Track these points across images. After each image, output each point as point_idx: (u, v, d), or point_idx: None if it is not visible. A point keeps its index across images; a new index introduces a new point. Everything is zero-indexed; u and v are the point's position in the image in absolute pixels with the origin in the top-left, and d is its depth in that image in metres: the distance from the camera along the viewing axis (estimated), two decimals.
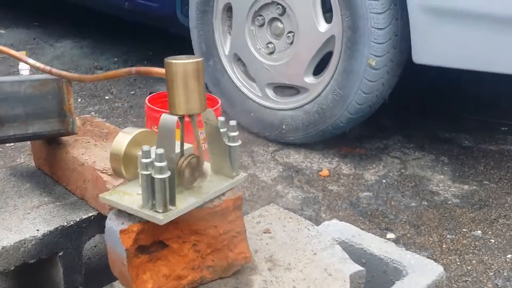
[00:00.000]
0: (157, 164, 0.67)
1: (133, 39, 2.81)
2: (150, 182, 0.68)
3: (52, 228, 0.97)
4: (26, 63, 0.87)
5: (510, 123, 2.09)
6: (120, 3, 2.15)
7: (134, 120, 1.98)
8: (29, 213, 1.00)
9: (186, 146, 0.75)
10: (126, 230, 0.72)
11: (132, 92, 2.25)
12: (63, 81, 1.03)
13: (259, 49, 1.85)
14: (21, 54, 0.85)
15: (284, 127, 1.81)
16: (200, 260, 0.78)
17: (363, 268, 0.87)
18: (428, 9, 1.54)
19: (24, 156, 1.68)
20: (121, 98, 2.18)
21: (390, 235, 1.44)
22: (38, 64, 0.84)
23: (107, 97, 2.18)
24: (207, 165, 0.79)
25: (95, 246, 1.29)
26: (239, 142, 0.77)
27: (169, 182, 0.68)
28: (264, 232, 0.89)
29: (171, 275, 0.76)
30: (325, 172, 1.72)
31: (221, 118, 0.75)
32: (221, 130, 0.77)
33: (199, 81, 0.68)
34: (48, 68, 0.82)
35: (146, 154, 0.68)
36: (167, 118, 0.69)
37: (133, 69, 0.71)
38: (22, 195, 1.06)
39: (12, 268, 0.93)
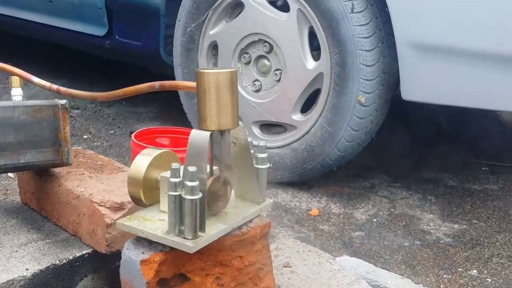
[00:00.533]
0: (188, 183, 0.60)
1: (112, 78, 2.75)
2: (178, 204, 0.62)
3: (43, 267, 0.88)
4: (31, 81, 0.80)
5: (490, 163, 2.12)
6: (101, 42, 2.10)
7: (115, 159, 1.90)
8: (16, 251, 0.92)
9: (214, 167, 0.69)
10: (147, 261, 0.64)
11: (111, 132, 2.16)
12: (59, 108, 0.96)
13: (246, 86, 1.82)
14: (25, 72, 0.78)
15: (271, 165, 1.76)
16: None
17: None
18: (416, 47, 1.56)
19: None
20: (100, 137, 2.09)
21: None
22: (43, 82, 0.77)
23: (85, 137, 2.09)
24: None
25: None
26: (268, 165, 0.71)
27: (200, 204, 0.62)
28: (284, 266, 0.83)
29: None
30: (314, 212, 1.67)
31: (249, 138, 0.70)
32: None
33: (232, 94, 0.63)
34: (55, 87, 0.75)
35: (175, 173, 0.61)
36: (198, 134, 0.63)
37: (156, 83, 0.66)
38: (7, 232, 0.97)
39: None
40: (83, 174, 1.02)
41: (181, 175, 0.62)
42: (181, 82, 0.65)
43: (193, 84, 0.64)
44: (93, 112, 2.40)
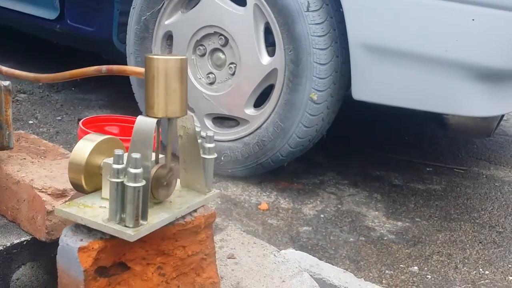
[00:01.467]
0: (132, 170, 0.59)
1: (62, 64, 2.66)
2: (120, 192, 0.60)
3: None
4: None
5: (434, 164, 2.19)
6: (51, 26, 2.03)
7: (62, 146, 1.84)
8: None
9: (160, 155, 0.68)
10: (85, 248, 0.62)
11: (59, 118, 2.10)
12: (1, 89, 0.92)
13: (199, 78, 1.80)
14: None
15: (222, 158, 1.76)
16: (165, 285, 0.70)
17: None
18: (367, 48, 1.59)
19: None
20: (46, 123, 2.02)
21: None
22: None
23: (30, 122, 2.01)
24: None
25: (17, 279, 1.14)
26: (215, 155, 0.71)
27: (143, 192, 0.60)
28: (229, 258, 0.82)
29: None
30: (264, 206, 1.68)
31: (198, 128, 0.69)
32: None
33: (182, 82, 0.62)
34: None
35: (118, 159, 0.60)
36: (144, 121, 0.62)
37: (103, 67, 0.64)
38: None
39: None
40: (24, 159, 0.98)
41: (125, 162, 0.61)
42: (129, 67, 0.64)
43: (141, 70, 0.63)
44: (40, 97, 2.32)
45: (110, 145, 0.70)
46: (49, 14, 2.06)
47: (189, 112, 0.66)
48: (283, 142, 1.68)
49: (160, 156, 0.69)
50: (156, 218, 0.64)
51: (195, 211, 0.71)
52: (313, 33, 1.59)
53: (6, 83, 0.92)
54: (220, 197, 1.69)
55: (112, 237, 0.64)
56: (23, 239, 0.90)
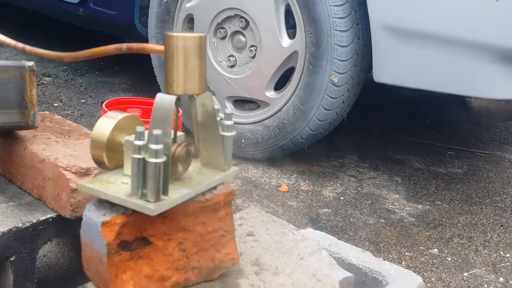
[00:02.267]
0: (153, 146, 0.60)
1: (85, 47, 2.70)
2: (142, 167, 0.62)
3: (5, 229, 0.87)
4: None
5: (456, 148, 2.17)
6: (74, 9, 2.05)
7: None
8: None
9: (178, 133, 0.69)
10: (108, 223, 0.64)
11: (83, 101, 2.13)
12: (26, 70, 0.94)
13: (220, 61, 1.81)
14: None
15: (243, 141, 1.77)
16: (185, 260, 0.72)
17: (351, 275, 0.83)
18: (389, 30, 1.57)
19: None
20: (71, 106, 2.05)
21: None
22: (8, 40, 0.76)
23: (56, 105, 2.05)
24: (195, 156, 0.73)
25: (44, 256, 1.18)
26: (234, 132, 0.72)
27: (163, 168, 0.62)
28: (248, 235, 0.84)
29: (153, 276, 0.69)
30: (284, 188, 1.69)
31: (217, 106, 0.70)
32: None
33: (200, 59, 0.63)
34: (20, 45, 0.73)
35: (140, 136, 0.61)
36: (163, 98, 0.63)
37: (124, 45, 0.65)
38: None
39: None
40: (49, 138, 1.01)
41: (145, 139, 0.62)
42: (148, 45, 0.65)
43: (161, 47, 0.64)
44: (65, 81, 2.36)
45: (131, 123, 0.71)
46: None
47: (207, 92, 0.67)
48: (304, 124, 1.68)
49: (179, 133, 0.70)
50: (177, 194, 0.66)
51: (214, 188, 0.72)
52: (334, 15, 1.58)
53: (31, 63, 0.94)
54: (240, 179, 1.71)
55: (134, 212, 0.65)
56: (48, 216, 0.92)
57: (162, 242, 0.69)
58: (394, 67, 1.61)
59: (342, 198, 1.69)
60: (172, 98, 0.63)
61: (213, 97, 0.67)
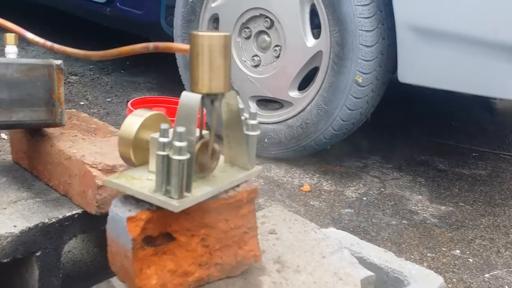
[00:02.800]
0: (177, 144, 0.61)
1: (111, 47, 2.74)
2: (166, 164, 0.63)
3: (32, 224, 0.88)
4: (24, 37, 0.80)
5: (479, 149, 2.14)
6: (101, 9, 2.08)
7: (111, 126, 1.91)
8: (5, 208, 0.91)
9: (204, 131, 0.70)
10: (133, 218, 0.65)
11: (109, 100, 2.17)
12: (54, 68, 0.96)
13: (244, 61, 1.82)
14: (18, 27, 0.78)
15: (266, 140, 1.78)
16: (208, 256, 0.72)
17: (373, 274, 0.83)
18: (415, 30, 1.56)
19: None
20: (97, 104, 2.09)
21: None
22: (37, 39, 0.77)
23: (82, 103, 2.09)
24: (219, 154, 0.74)
25: (69, 252, 1.20)
26: (259, 132, 0.72)
27: (187, 165, 0.63)
28: (270, 233, 0.84)
29: (177, 271, 0.70)
30: (306, 188, 1.69)
31: (241, 105, 0.71)
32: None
33: (225, 58, 0.64)
34: (49, 43, 0.75)
35: (165, 133, 0.62)
36: (188, 96, 0.64)
37: (151, 44, 0.66)
38: None
39: None
40: (76, 136, 1.02)
41: (170, 136, 0.63)
42: (175, 44, 0.66)
43: (187, 46, 0.65)
44: (91, 80, 2.40)
45: (158, 121, 0.72)
46: None
47: (231, 91, 0.68)
48: (327, 125, 1.68)
49: (204, 132, 0.71)
50: (200, 191, 0.66)
51: (237, 186, 0.72)
52: (359, 15, 1.58)
53: (58, 62, 0.96)
54: (263, 178, 1.71)
55: (159, 208, 0.66)
56: (74, 212, 0.93)
57: (186, 238, 0.70)
58: (419, 68, 1.60)
59: (364, 198, 1.68)
60: (197, 97, 0.64)
61: (237, 96, 0.68)
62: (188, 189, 0.64)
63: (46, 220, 0.90)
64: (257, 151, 1.79)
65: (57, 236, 0.92)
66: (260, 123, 1.79)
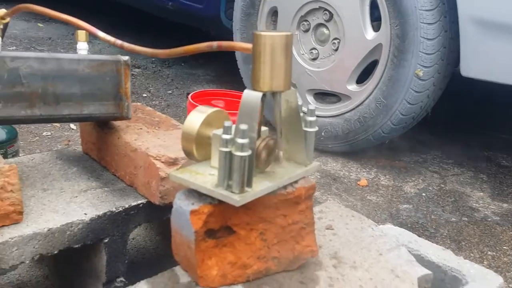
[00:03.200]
0: (239, 140, 0.63)
1: (172, 40, 2.81)
2: (228, 160, 0.65)
3: (101, 212, 0.93)
4: (96, 35, 0.85)
5: None
6: (163, 3, 2.14)
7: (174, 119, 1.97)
8: (76, 197, 0.97)
9: (263, 128, 0.71)
10: (196, 211, 0.68)
11: (170, 92, 2.23)
12: (122, 64, 1.00)
13: (302, 54, 1.82)
14: (91, 26, 0.82)
15: (323, 134, 1.78)
16: (266, 250, 0.74)
17: (430, 272, 0.83)
18: (479, 23, 1.51)
19: (60, 146, 1.65)
20: (158, 96, 2.15)
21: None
22: (108, 37, 0.82)
23: (144, 95, 2.16)
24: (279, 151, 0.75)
25: (133, 239, 1.26)
26: (317, 128, 0.73)
27: (248, 161, 0.65)
28: (327, 228, 0.85)
29: (236, 263, 0.73)
30: (363, 182, 1.68)
31: (299, 101, 0.72)
32: None
33: (286, 57, 0.65)
34: (119, 42, 0.79)
35: (227, 130, 0.64)
36: (250, 94, 0.66)
37: (215, 43, 0.68)
38: (69, 178, 1.02)
39: (55, 252, 0.88)
40: (141, 129, 1.07)
41: (232, 133, 0.65)
42: (237, 43, 0.68)
43: (249, 45, 0.66)
44: (153, 72, 2.47)
45: (219, 117, 0.75)
46: None
47: (292, 87, 0.69)
48: (385, 119, 1.66)
49: (263, 128, 0.73)
50: (260, 186, 0.68)
51: (296, 182, 0.74)
52: (421, 7, 1.54)
53: (126, 58, 1.00)
54: (319, 172, 1.72)
55: (220, 202, 0.68)
56: (139, 202, 0.97)
57: (245, 231, 0.73)
58: (482, 61, 1.55)
59: (424, 194, 1.65)
60: (259, 95, 0.65)
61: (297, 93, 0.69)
62: (249, 184, 0.66)
63: (114, 209, 0.94)
64: (314, 145, 1.79)
65: (124, 224, 0.96)
66: (317, 116, 1.79)
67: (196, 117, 0.72)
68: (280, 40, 0.64)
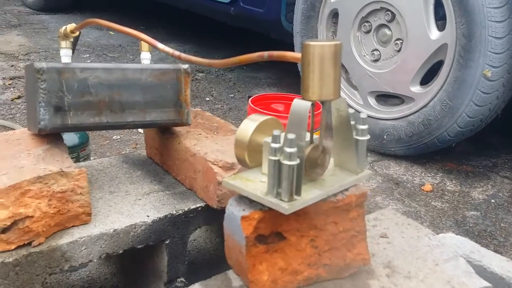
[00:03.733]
0: (287, 149, 0.64)
1: (234, 44, 2.85)
2: (277, 169, 0.66)
3: (162, 215, 0.96)
4: (156, 47, 0.89)
5: None
6: (225, 9, 2.19)
7: (233, 122, 2.00)
8: (140, 199, 1.01)
9: (314, 136, 0.72)
10: (247, 217, 0.70)
11: (231, 95, 2.27)
12: (182, 72, 1.04)
13: (364, 56, 1.80)
14: (151, 39, 0.86)
15: (385, 137, 1.75)
16: (317, 256, 0.75)
17: (490, 285, 0.80)
18: None
19: (129, 149, 1.73)
20: (221, 100, 2.20)
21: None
22: (167, 49, 0.85)
23: (207, 99, 2.21)
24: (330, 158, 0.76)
25: (194, 240, 1.29)
26: (368, 136, 0.73)
27: (297, 170, 0.65)
28: (381, 237, 0.84)
29: (287, 269, 0.73)
30: (428, 187, 1.63)
31: (351, 110, 0.72)
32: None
33: (335, 66, 0.65)
34: (177, 53, 0.82)
35: (276, 139, 0.65)
36: (299, 104, 0.66)
37: (265, 53, 0.70)
38: (133, 181, 1.07)
39: (120, 252, 0.93)
40: (200, 134, 1.10)
41: (282, 142, 0.66)
42: (288, 53, 0.69)
43: (299, 55, 0.67)
44: (216, 76, 2.52)
45: (271, 125, 0.76)
46: None
47: (342, 95, 0.69)
48: (451, 121, 1.61)
49: (315, 136, 0.73)
50: (309, 194, 0.69)
51: (346, 190, 0.74)
52: (488, 5, 1.48)
53: (186, 66, 1.04)
54: (381, 176, 1.69)
55: (270, 209, 0.70)
56: (198, 205, 1.00)
57: (296, 238, 0.73)
58: None
59: (493, 200, 1.58)
60: (307, 104, 0.66)
61: (348, 99, 0.69)
62: (298, 192, 0.67)
63: (174, 212, 0.98)
64: (376, 148, 1.77)
65: (184, 227, 0.99)
66: (379, 119, 1.76)
67: (249, 125, 0.74)
68: (329, 50, 0.65)
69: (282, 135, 0.67)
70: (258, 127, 0.74)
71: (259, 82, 2.52)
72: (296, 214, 0.71)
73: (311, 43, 0.65)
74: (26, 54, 2.59)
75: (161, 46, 0.86)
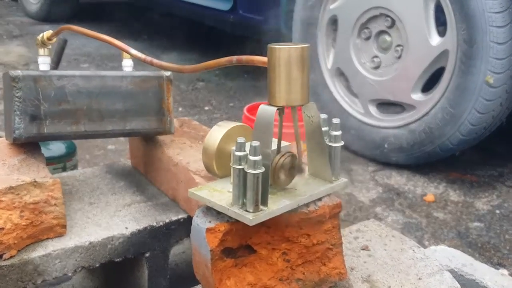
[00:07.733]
0: (251, 158, 0.61)
1: (236, 53, 2.83)
2: (242, 178, 0.63)
3: (141, 227, 0.93)
4: (128, 53, 0.86)
5: None
6: (225, 16, 2.17)
7: None
8: (120, 211, 0.98)
9: (284, 143, 0.69)
10: (212, 229, 0.66)
11: (231, 104, 2.25)
12: (164, 80, 1.01)
13: (364, 63, 1.76)
14: (124, 44, 0.84)
15: (386, 146, 1.70)
16: (290, 271, 0.71)
17: None
18: None
19: (124, 159, 1.71)
20: (220, 109, 2.18)
21: (503, 272, 1.27)
22: (139, 54, 0.83)
23: (206, 108, 2.19)
24: (304, 166, 0.72)
25: (183, 252, 1.26)
26: (342, 143, 0.69)
27: (262, 179, 0.62)
28: (362, 249, 0.80)
29: (256, 284, 0.70)
30: (430, 197, 1.58)
31: (323, 115, 0.68)
32: (323, 128, 0.70)
33: (303, 70, 0.62)
34: (149, 59, 0.80)
35: (241, 147, 0.62)
36: (265, 110, 0.63)
37: (234, 58, 0.67)
38: (115, 192, 1.05)
39: (97, 265, 0.90)
40: (184, 143, 1.07)
41: (247, 150, 0.63)
42: (256, 57, 0.66)
43: (266, 59, 0.64)
44: (216, 85, 2.50)
45: (242, 132, 0.73)
46: (224, 6, 2.21)
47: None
48: (453, 129, 1.56)
49: (284, 144, 0.70)
50: (277, 205, 0.65)
51: (319, 200, 0.70)
52: (489, 10, 1.44)
53: (168, 73, 1.01)
54: (382, 186, 1.64)
55: (238, 220, 0.66)
56: (180, 216, 0.97)
57: (266, 251, 0.70)
58: None
59: (498, 211, 1.52)
60: (273, 110, 0.63)
61: (316, 107, 0.66)
62: (264, 202, 0.64)
63: (154, 224, 0.95)
64: (377, 157, 1.72)
65: (165, 239, 0.96)
66: (380, 127, 1.72)
67: (217, 132, 0.71)
68: (296, 53, 0.61)
69: (248, 143, 0.64)
70: (226, 135, 0.71)
71: (260, 91, 2.49)
72: (267, 226, 0.68)
73: (277, 46, 0.62)
74: (25, 65, 2.60)
75: (133, 51, 0.84)
